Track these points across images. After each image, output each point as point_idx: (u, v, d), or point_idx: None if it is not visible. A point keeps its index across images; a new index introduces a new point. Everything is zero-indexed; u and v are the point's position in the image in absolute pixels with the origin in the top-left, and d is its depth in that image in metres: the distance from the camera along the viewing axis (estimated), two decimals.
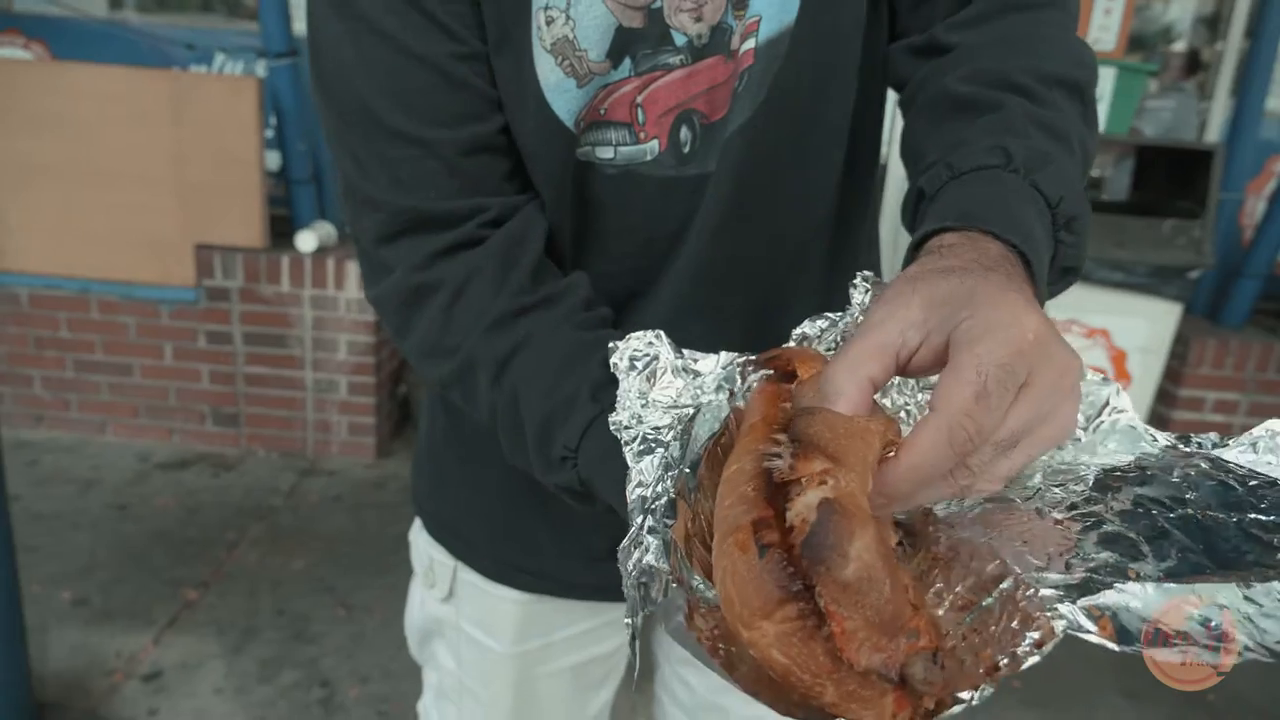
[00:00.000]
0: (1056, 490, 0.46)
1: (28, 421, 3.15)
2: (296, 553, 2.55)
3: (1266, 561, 0.39)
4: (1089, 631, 0.37)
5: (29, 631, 1.82)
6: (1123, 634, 0.38)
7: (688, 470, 0.46)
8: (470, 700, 0.98)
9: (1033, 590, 0.38)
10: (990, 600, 0.38)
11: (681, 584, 0.41)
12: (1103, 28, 2.67)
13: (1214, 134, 3.11)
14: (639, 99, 0.69)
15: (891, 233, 2.96)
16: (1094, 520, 0.43)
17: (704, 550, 0.41)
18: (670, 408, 0.53)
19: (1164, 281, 2.69)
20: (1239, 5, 3.08)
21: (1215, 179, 2.67)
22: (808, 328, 0.54)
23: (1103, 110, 2.66)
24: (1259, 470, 0.45)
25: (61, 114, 2.81)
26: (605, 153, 0.70)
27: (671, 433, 0.51)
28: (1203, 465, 0.45)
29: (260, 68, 3.25)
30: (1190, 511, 0.42)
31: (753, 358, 0.51)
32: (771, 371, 0.49)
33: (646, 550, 0.44)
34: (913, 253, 0.53)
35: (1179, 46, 3.56)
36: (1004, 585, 0.38)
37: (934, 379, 0.42)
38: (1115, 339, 2.78)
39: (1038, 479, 0.47)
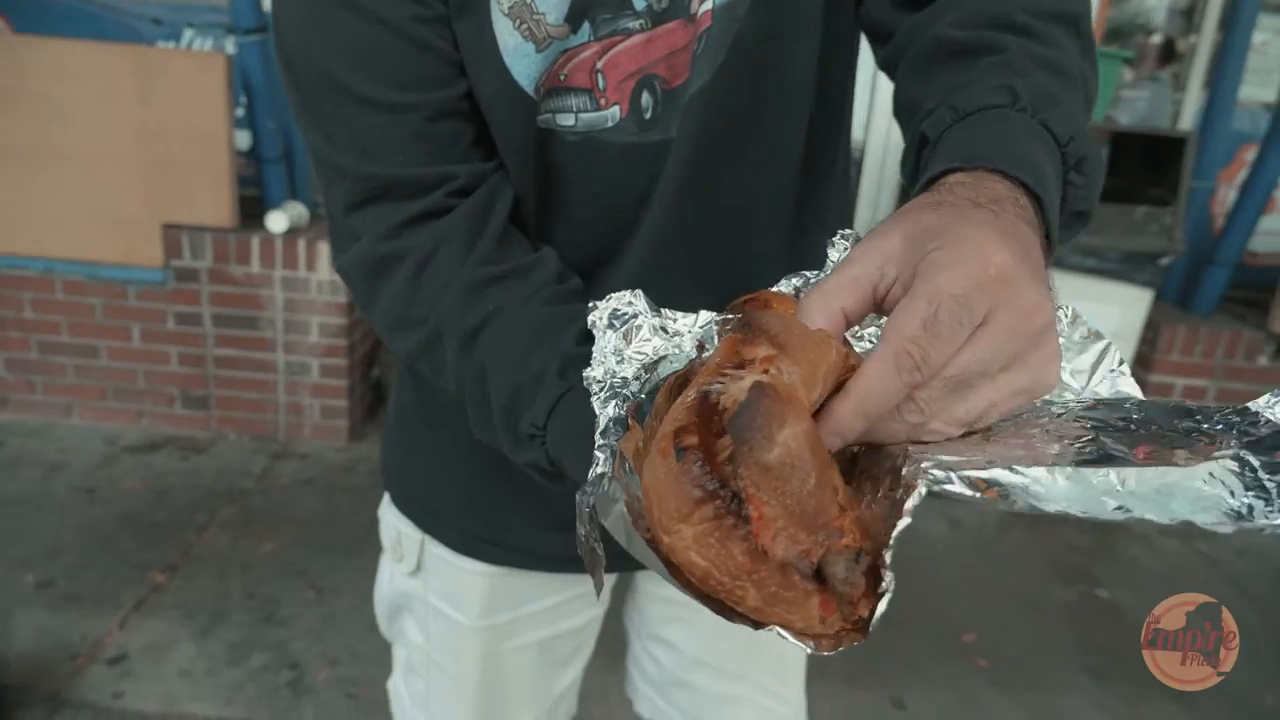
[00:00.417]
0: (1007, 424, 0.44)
1: None
2: (267, 536, 2.52)
3: (1184, 446, 0.38)
4: (959, 492, 0.36)
5: None
6: (1011, 499, 0.36)
7: (643, 397, 0.47)
8: (438, 675, 0.97)
9: (915, 463, 0.37)
10: (899, 491, 0.37)
11: (620, 480, 0.41)
12: None
13: (1187, 123, 3.14)
14: (599, 64, 0.68)
15: (871, 197, 2.97)
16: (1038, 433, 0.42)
17: None
18: (645, 365, 0.53)
19: (1135, 268, 2.72)
20: None
21: (1187, 167, 2.70)
22: (783, 286, 0.54)
23: None
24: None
25: (24, 91, 2.74)
26: (566, 120, 0.70)
27: (635, 378, 0.51)
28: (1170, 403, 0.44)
29: (230, 44, 3.19)
30: (1134, 427, 0.41)
31: (731, 316, 0.51)
32: (739, 317, 0.49)
33: (597, 464, 0.44)
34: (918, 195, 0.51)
35: (1156, 39, 3.59)
36: (903, 470, 0.37)
37: None
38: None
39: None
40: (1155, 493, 0.37)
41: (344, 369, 3.02)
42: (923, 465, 0.36)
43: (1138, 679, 2.24)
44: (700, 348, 0.50)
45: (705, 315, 0.54)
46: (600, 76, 0.68)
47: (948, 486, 0.36)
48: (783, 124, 0.74)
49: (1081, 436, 0.40)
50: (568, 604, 0.96)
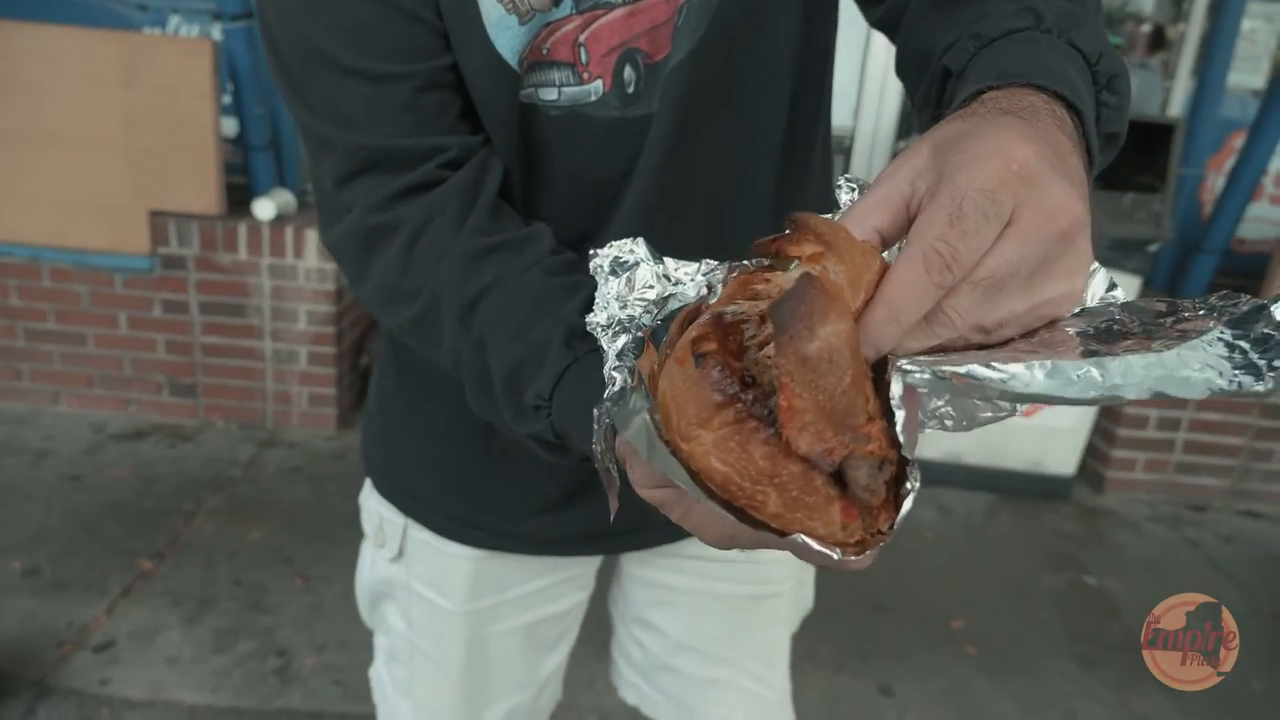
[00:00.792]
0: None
1: None
2: (254, 524, 2.52)
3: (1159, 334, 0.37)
4: (923, 378, 0.35)
5: None
6: (985, 391, 0.36)
7: (659, 322, 0.47)
8: (422, 660, 0.97)
9: (894, 365, 0.36)
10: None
11: (639, 392, 0.40)
12: None
13: (1176, 110, 3.15)
14: (581, 38, 0.67)
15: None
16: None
17: None
18: (654, 301, 0.52)
19: (1124, 255, 2.72)
20: None
21: (1176, 154, 2.70)
22: None
23: None
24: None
25: (9, 76, 2.71)
26: (549, 94, 0.69)
27: (645, 312, 0.50)
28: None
29: (216, 30, 3.16)
30: (1116, 326, 0.40)
31: (736, 263, 0.50)
32: (752, 266, 0.47)
33: (614, 384, 0.44)
34: None
35: (1146, 27, 3.59)
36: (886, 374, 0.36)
37: None
38: None
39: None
40: (1140, 381, 0.36)
41: (332, 357, 3.00)
42: (900, 364, 0.36)
43: (1125, 666, 2.26)
44: (709, 289, 0.50)
45: (708, 263, 0.53)
46: (583, 50, 0.67)
47: (919, 375, 0.35)
48: (764, 97, 0.73)
49: (1066, 342, 0.39)
50: (553, 588, 0.95)
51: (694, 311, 0.45)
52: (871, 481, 0.34)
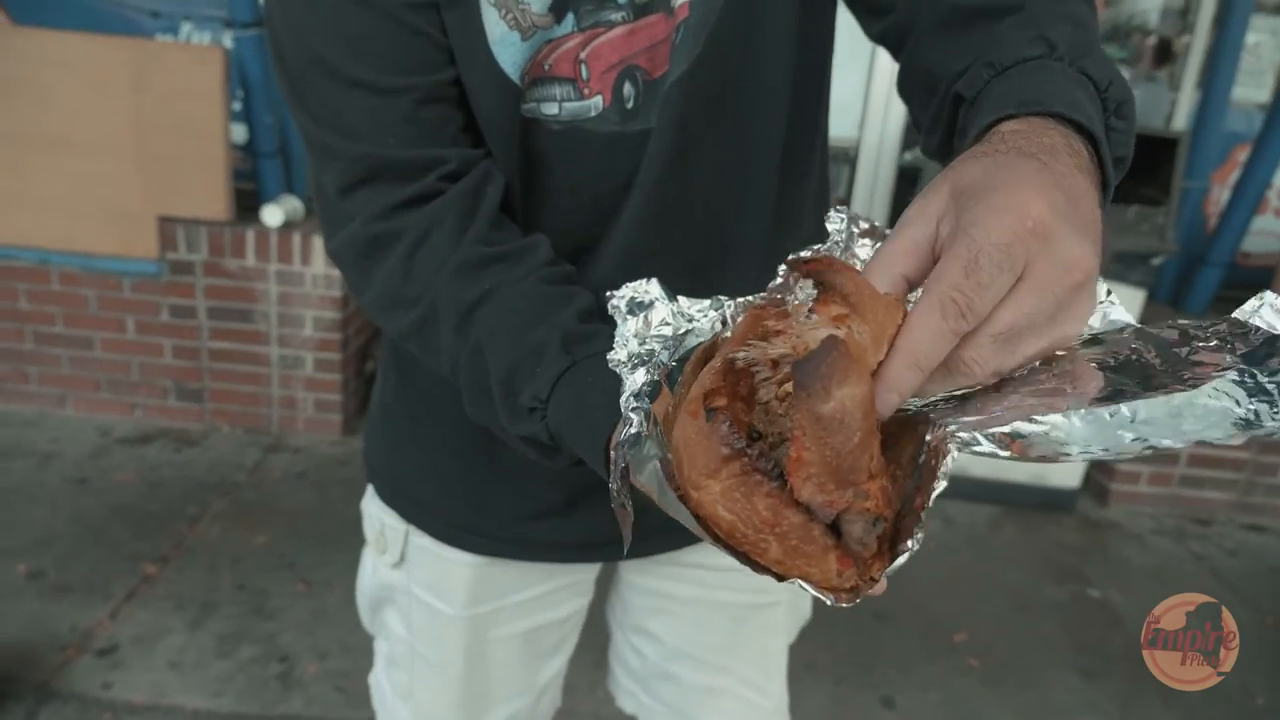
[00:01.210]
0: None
1: None
2: (259, 528, 2.53)
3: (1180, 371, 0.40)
4: (987, 450, 0.37)
5: None
6: (1036, 450, 0.38)
7: (674, 364, 0.49)
8: (422, 666, 0.97)
9: (940, 427, 0.39)
10: (922, 456, 0.39)
11: (654, 439, 0.43)
12: None
13: (1181, 123, 3.15)
14: (583, 55, 0.69)
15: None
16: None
17: None
18: (673, 337, 0.54)
19: (1128, 268, 2.72)
20: None
21: (1179, 167, 2.70)
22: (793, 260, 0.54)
23: None
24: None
25: (21, 80, 2.73)
26: (550, 109, 0.70)
27: (662, 347, 0.53)
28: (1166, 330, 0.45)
29: (227, 38, 3.19)
30: (1135, 357, 0.42)
31: (746, 299, 0.52)
32: (760, 301, 0.50)
33: (631, 425, 0.46)
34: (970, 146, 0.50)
35: (1151, 39, 3.60)
36: (927, 436, 0.39)
37: None
38: None
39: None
40: (1167, 417, 0.38)
41: (338, 363, 3.02)
42: (949, 429, 0.38)
43: (1128, 678, 2.25)
44: (725, 324, 0.52)
45: (719, 300, 0.55)
46: (584, 66, 0.69)
47: (975, 448, 0.37)
48: (761, 112, 0.74)
49: (1088, 375, 0.41)
50: (552, 594, 0.96)
51: (708, 350, 0.47)
52: (865, 536, 0.37)
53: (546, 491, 0.86)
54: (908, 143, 3.24)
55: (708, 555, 0.94)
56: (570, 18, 0.68)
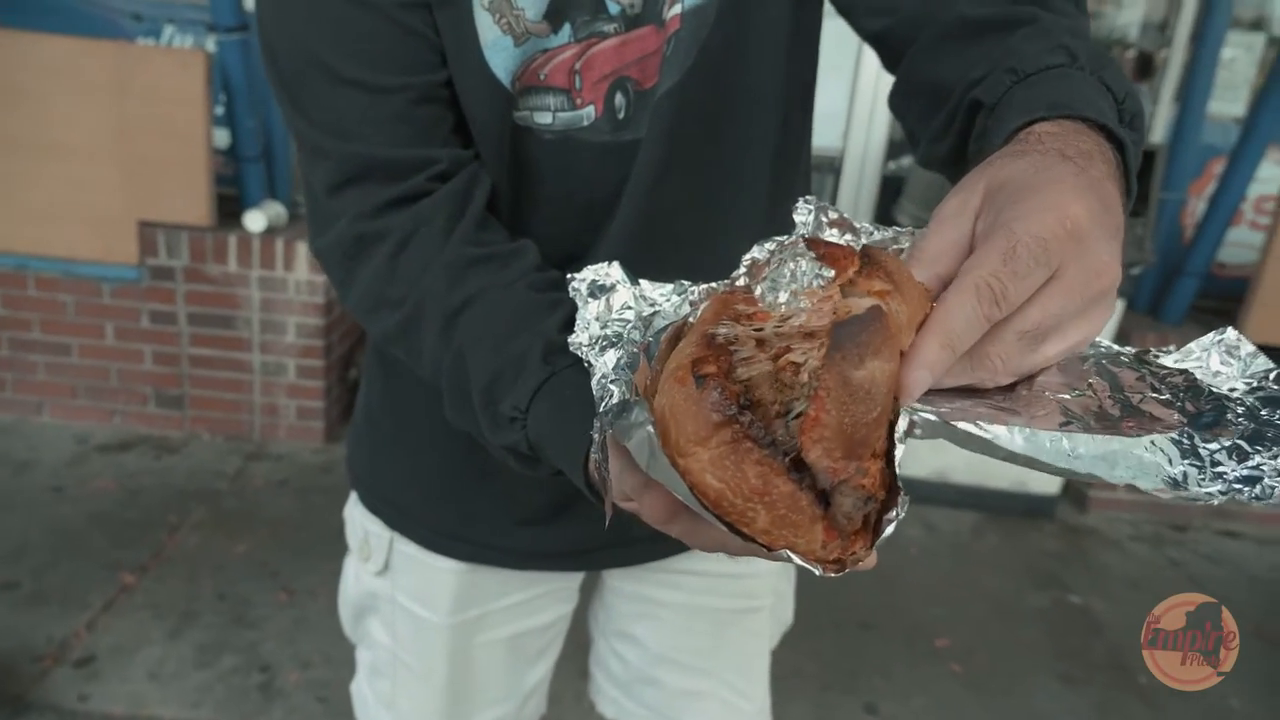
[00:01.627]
0: None
1: None
2: (240, 537, 2.50)
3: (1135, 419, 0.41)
4: (929, 423, 0.39)
5: None
6: (967, 446, 0.39)
7: (651, 339, 0.48)
8: (405, 674, 0.97)
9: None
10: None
11: (640, 403, 0.42)
12: None
13: (1158, 136, 3.19)
14: (577, 65, 0.69)
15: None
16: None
17: None
18: (642, 317, 0.54)
19: None
20: (1184, 12, 3.16)
21: (1157, 179, 2.74)
22: (756, 252, 0.54)
23: None
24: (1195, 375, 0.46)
25: (2, 84, 2.70)
26: (543, 118, 0.71)
27: (631, 328, 0.52)
28: (1125, 360, 0.46)
29: (210, 42, 3.17)
30: (1088, 394, 0.43)
31: (709, 285, 0.53)
32: (723, 288, 0.50)
33: (612, 397, 0.45)
34: (1000, 146, 0.51)
35: (1132, 54, 3.65)
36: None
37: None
38: None
39: None
40: (1102, 458, 0.39)
41: (321, 370, 3.00)
42: (912, 404, 0.39)
43: (1108, 684, 2.27)
44: (690, 307, 0.52)
45: (681, 284, 0.55)
46: (578, 77, 0.69)
47: (925, 415, 0.38)
48: (752, 124, 0.75)
49: (1047, 405, 0.42)
50: (536, 600, 0.96)
51: (680, 328, 0.46)
52: (854, 511, 0.37)
53: (533, 498, 0.86)
54: (892, 153, 3.27)
55: (693, 561, 0.95)
56: (567, 28, 0.68)
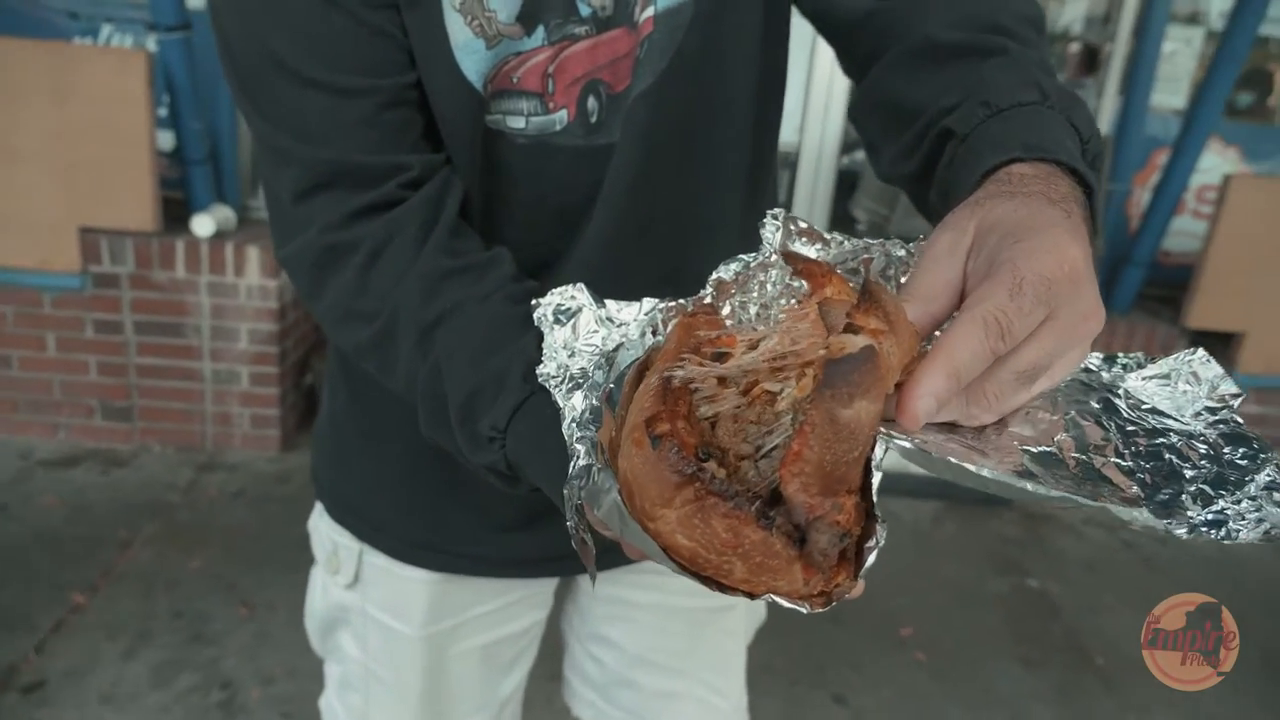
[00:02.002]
0: None
1: None
2: (195, 551, 2.43)
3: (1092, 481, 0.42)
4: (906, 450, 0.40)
5: None
6: (950, 471, 0.40)
7: (612, 385, 0.48)
8: (378, 687, 0.95)
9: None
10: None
11: (606, 469, 0.42)
12: None
13: (1104, 128, 3.27)
14: (551, 68, 0.68)
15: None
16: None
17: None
18: (595, 354, 0.53)
19: None
20: (1126, 6, 3.24)
21: (1104, 170, 2.80)
22: (722, 272, 0.54)
23: None
24: (1159, 404, 0.47)
25: None
26: (516, 122, 0.69)
27: (595, 366, 0.52)
28: (1093, 405, 0.47)
29: (151, 41, 3.08)
30: (1054, 451, 0.44)
31: (675, 302, 0.52)
32: (690, 306, 0.50)
33: (578, 457, 0.45)
34: (978, 183, 0.51)
35: (1075, 48, 3.73)
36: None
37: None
38: None
39: None
40: (1060, 501, 0.40)
41: (275, 377, 2.93)
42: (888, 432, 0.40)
43: (1067, 666, 2.32)
44: (654, 332, 0.51)
45: (649, 303, 0.54)
46: (551, 81, 0.68)
47: (901, 443, 0.39)
48: (727, 127, 0.75)
49: (1010, 457, 0.43)
50: (510, 607, 0.95)
51: (643, 366, 0.47)
52: (829, 548, 0.37)
53: (506, 507, 0.84)
54: (846, 148, 3.30)
55: None
56: (540, 31, 0.67)
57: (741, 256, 0.54)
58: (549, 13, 0.66)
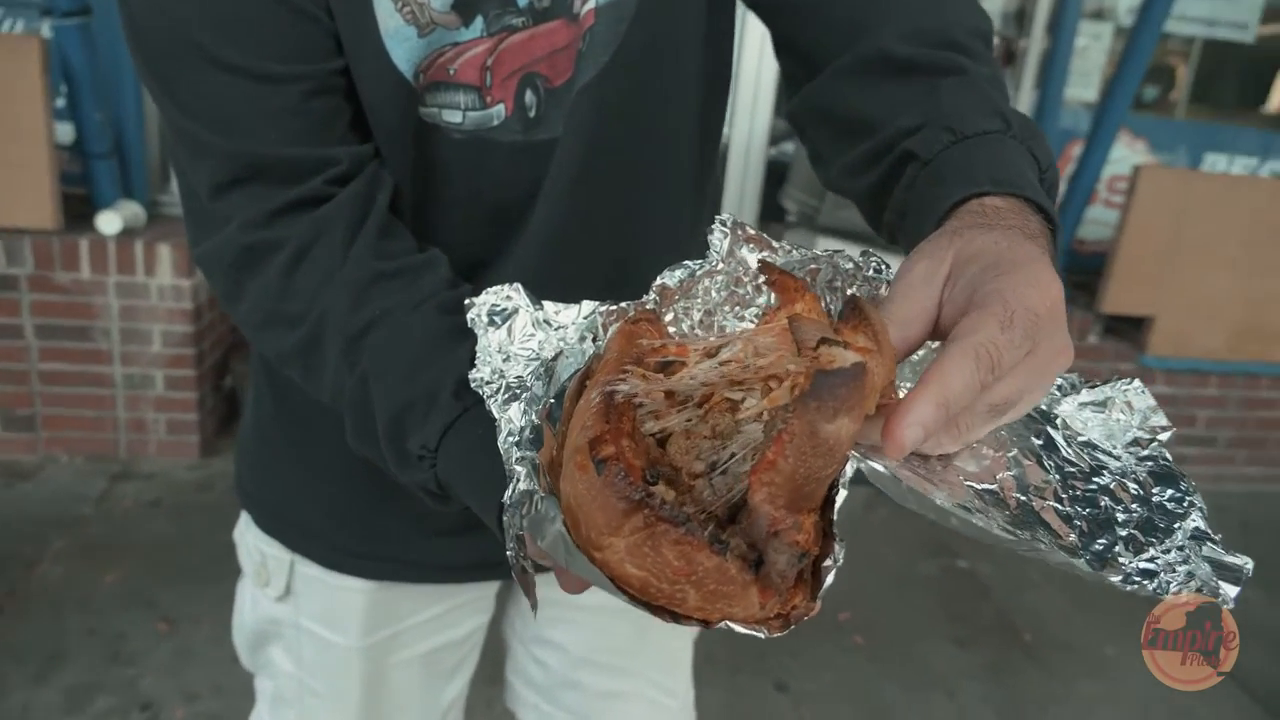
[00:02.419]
0: None
1: None
2: (109, 566, 2.31)
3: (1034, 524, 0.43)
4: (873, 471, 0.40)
5: None
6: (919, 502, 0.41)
7: (552, 400, 0.46)
8: (314, 701, 0.91)
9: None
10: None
11: (548, 496, 0.40)
12: None
13: None
14: (489, 61, 0.65)
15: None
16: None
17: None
18: (532, 360, 0.51)
19: None
20: (1040, 3, 3.35)
21: (1058, 200, 2.89)
22: (667, 278, 0.52)
23: None
24: (1094, 435, 0.49)
25: None
26: (453, 116, 0.66)
27: (533, 376, 0.49)
28: (1034, 442, 0.48)
29: (45, 27, 2.90)
30: (997, 491, 0.45)
31: (616, 306, 0.51)
32: (631, 311, 0.49)
33: (518, 480, 0.43)
34: (947, 212, 0.51)
35: (994, 42, 3.85)
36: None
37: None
38: None
39: None
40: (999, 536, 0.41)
41: (192, 380, 2.81)
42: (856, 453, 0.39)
43: (997, 645, 2.40)
44: (594, 338, 0.49)
45: (588, 306, 0.52)
46: (489, 74, 0.66)
47: (873, 465, 0.40)
48: (672, 121, 0.73)
49: (957, 492, 0.43)
50: (451, 613, 0.92)
51: (585, 376, 0.45)
52: (788, 569, 0.36)
53: (441, 511, 0.81)
54: (774, 138, 3.33)
55: None
56: (479, 21, 0.64)
57: (688, 263, 0.53)
58: (486, 3, 0.64)
